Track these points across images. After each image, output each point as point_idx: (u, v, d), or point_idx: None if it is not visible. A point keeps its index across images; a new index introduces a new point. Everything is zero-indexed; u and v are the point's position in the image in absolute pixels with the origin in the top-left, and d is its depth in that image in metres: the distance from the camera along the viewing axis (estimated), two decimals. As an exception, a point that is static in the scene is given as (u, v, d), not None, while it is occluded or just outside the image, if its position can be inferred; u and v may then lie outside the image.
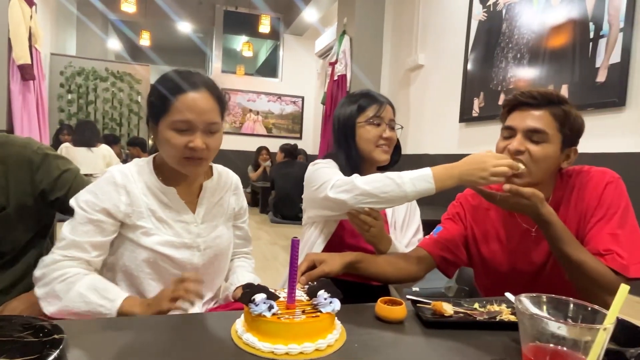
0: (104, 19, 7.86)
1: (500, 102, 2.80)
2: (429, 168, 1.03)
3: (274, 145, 6.98)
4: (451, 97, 3.35)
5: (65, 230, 0.94)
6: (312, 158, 6.20)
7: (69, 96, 6.37)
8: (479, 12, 3.03)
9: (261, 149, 6.83)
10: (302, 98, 8.05)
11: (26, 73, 3.38)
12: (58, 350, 0.63)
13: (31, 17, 3.45)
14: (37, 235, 1.17)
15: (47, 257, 0.93)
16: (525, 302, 0.60)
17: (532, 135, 0.99)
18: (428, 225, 1.37)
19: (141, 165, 1.03)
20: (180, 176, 1.04)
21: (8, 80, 3.39)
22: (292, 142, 7.82)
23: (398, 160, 1.38)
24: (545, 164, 0.99)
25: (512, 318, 0.86)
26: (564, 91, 2.37)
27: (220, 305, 1.12)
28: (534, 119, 0.99)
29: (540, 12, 2.51)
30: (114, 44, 9.02)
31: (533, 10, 2.57)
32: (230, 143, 7.45)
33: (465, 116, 3.15)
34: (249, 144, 7.53)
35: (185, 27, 8.31)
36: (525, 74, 2.72)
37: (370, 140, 1.28)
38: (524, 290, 0.64)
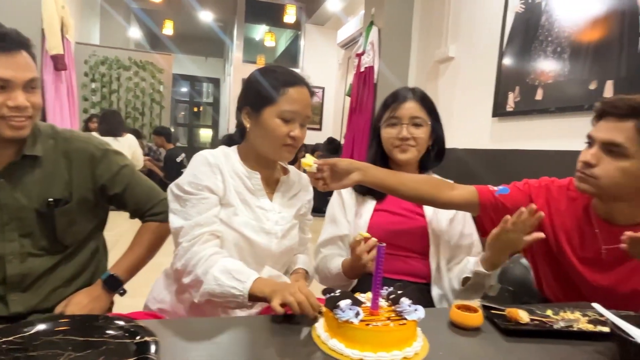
0: (127, 8, 7.86)
1: (538, 97, 2.73)
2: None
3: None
4: (483, 91, 3.27)
5: (176, 222, 0.99)
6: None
7: (93, 85, 6.41)
8: (515, 4, 2.95)
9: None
10: (323, 89, 7.99)
11: (59, 63, 3.43)
12: (154, 353, 0.64)
13: (63, 7, 3.47)
14: (95, 229, 1.19)
15: (180, 249, 0.97)
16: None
17: (611, 148, 0.92)
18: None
19: (227, 152, 1.10)
20: (262, 166, 1.10)
21: (41, 70, 3.44)
22: (312, 133, 7.79)
23: (441, 160, 1.33)
24: (622, 179, 0.92)
25: (590, 327, 0.85)
26: (609, 87, 2.30)
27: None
28: (614, 130, 0.91)
29: (584, 2, 2.43)
30: (135, 33, 9.04)
31: (576, 0, 2.48)
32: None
33: (499, 110, 3.08)
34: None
35: (206, 16, 8.28)
36: (564, 69, 2.64)
37: (387, 142, 1.29)
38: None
